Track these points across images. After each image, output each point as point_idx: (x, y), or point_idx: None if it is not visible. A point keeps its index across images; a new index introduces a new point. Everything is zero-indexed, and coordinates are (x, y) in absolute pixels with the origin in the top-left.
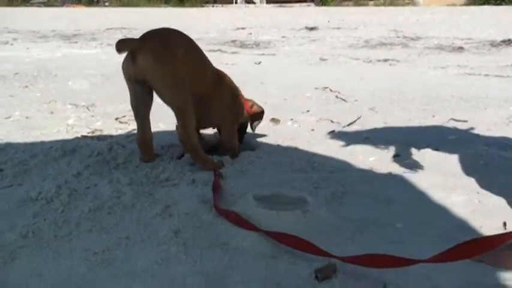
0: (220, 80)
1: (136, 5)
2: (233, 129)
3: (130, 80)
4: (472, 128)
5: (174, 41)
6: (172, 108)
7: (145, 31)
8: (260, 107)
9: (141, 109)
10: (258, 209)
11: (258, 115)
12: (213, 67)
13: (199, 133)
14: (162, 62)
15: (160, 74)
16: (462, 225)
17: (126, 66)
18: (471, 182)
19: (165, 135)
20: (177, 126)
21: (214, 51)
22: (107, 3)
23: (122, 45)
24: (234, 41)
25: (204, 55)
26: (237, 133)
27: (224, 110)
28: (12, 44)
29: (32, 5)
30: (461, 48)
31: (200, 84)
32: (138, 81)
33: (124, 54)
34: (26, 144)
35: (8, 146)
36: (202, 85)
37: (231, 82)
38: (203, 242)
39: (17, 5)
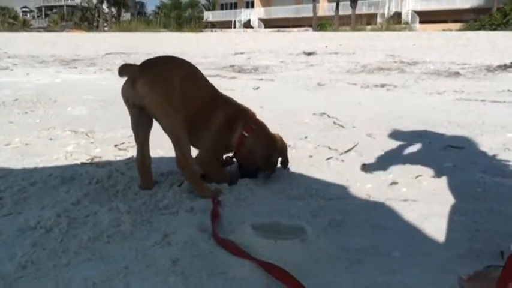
0: (218, 105)
1: (136, 29)
2: (212, 153)
3: (129, 104)
4: (468, 155)
5: (172, 69)
6: (168, 134)
7: (143, 56)
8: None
9: (140, 132)
10: (256, 238)
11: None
12: (218, 93)
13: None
14: (157, 91)
15: (156, 102)
16: (460, 254)
17: (125, 90)
18: (468, 209)
19: (164, 162)
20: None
21: (213, 76)
22: (106, 28)
23: (123, 70)
24: (232, 66)
25: (204, 78)
26: (217, 162)
27: (209, 133)
28: (12, 70)
29: (32, 30)
30: (457, 74)
31: (196, 107)
32: (135, 106)
33: (124, 79)
34: (25, 172)
35: (8, 173)
36: (198, 107)
37: (229, 114)
38: (202, 271)
39: (17, 30)
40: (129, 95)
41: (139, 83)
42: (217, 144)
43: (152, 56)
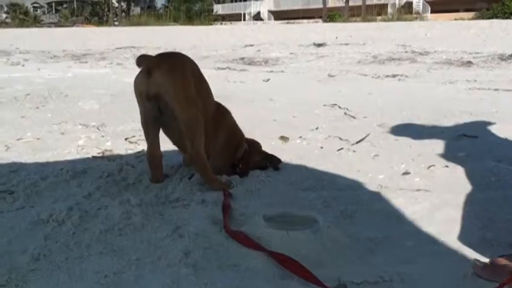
0: (220, 111)
1: (146, 23)
2: (224, 158)
3: (142, 97)
4: (482, 144)
5: (187, 63)
6: (184, 125)
7: (154, 50)
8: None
9: (152, 127)
10: (268, 229)
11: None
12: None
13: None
14: (178, 78)
15: (176, 89)
16: (473, 243)
17: (139, 83)
18: (482, 198)
19: (174, 156)
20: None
21: (223, 68)
22: (116, 23)
23: (141, 60)
24: (242, 59)
25: (208, 84)
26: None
27: (215, 142)
28: (23, 65)
29: (43, 25)
30: (470, 63)
31: (207, 110)
32: (149, 98)
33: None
34: (37, 166)
35: (20, 167)
36: (208, 111)
37: (230, 117)
38: (213, 263)
39: (28, 26)
40: (144, 87)
41: (157, 72)
42: (228, 149)
43: (162, 51)
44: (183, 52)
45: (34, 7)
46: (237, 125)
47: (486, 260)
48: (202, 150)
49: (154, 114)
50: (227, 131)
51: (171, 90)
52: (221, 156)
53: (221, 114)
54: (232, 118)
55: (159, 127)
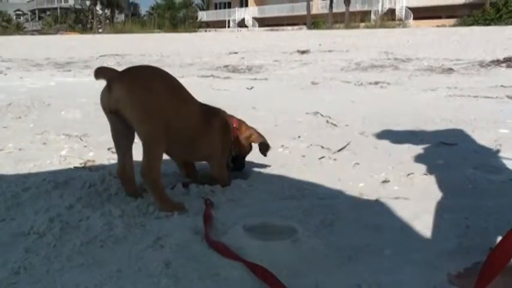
0: (207, 116)
1: (130, 31)
2: (222, 163)
3: (106, 111)
4: (460, 151)
5: (152, 77)
6: (142, 140)
7: (138, 57)
8: (259, 137)
9: (121, 142)
10: (248, 239)
11: (261, 145)
12: (199, 103)
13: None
14: (135, 94)
15: (132, 105)
16: (451, 250)
17: (102, 97)
18: (459, 206)
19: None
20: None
21: (207, 76)
22: (100, 30)
23: (99, 72)
24: (226, 66)
25: (187, 92)
26: (226, 166)
27: (211, 146)
28: (5, 74)
29: (26, 33)
30: (451, 70)
31: (183, 121)
32: (113, 112)
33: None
34: (18, 177)
35: (1, 178)
36: (185, 121)
37: (222, 118)
38: (194, 274)
39: (10, 33)
40: (106, 101)
41: (116, 87)
42: (226, 149)
43: (146, 58)
44: (167, 60)
45: (17, 14)
46: (227, 126)
47: (462, 268)
48: (156, 167)
49: (121, 127)
50: (217, 134)
51: (128, 105)
52: (219, 160)
53: (207, 119)
54: (219, 121)
55: (131, 141)
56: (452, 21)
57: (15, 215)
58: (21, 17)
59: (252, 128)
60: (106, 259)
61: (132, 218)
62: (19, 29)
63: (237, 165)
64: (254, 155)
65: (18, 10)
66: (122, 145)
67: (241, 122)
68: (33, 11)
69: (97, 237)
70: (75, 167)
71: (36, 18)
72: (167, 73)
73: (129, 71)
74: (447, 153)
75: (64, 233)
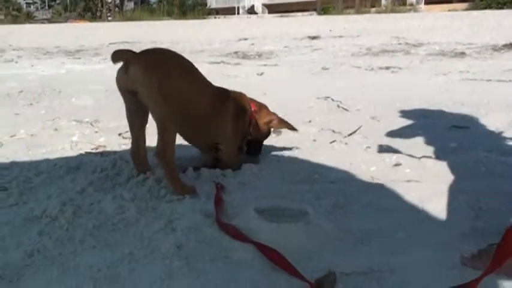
0: (221, 98)
1: (139, 18)
2: (233, 147)
3: (122, 91)
4: (473, 134)
5: (169, 58)
6: (156, 122)
7: (147, 45)
8: (282, 123)
9: (135, 122)
10: (259, 221)
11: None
12: (213, 86)
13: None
14: (151, 75)
15: (148, 86)
16: (464, 233)
17: (119, 77)
18: (472, 189)
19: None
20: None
21: (217, 63)
22: (110, 18)
23: (117, 55)
24: (236, 52)
25: (202, 75)
26: (238, 150)
27: (222, 129)
28: (16, 62)
29: (36, 21)
30: (463, 54)
31: (196, 103)
32: (129, 92)
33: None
34: (30, 163)
35: (13, 164)
36: (199, 103)
37: (237, 101)
38: (205, 256)
39: (21, 22)
40: (122, 82)
41: (133, 67)
42: (239, 133)
43: (156, 45)
44: (178, 46)
45: (27, 3)
46: (242, 110)
47: (475, 249)
48: (171, 149)
49: (136, 107)
50: (229, 118)
51: (144, 86)
52: (232, 143)
53: (221, 101)
54: (232, 104)
55: (145, 121)
56: (464, 5)
57: (27, 199)
58: (31, 6)
59: (274, 114)
60: (118, 242)
61: (144, 201)
62: (29, 18)
63: (253, 150)
64: (265, 140)
65: None
66: (136, 126)
67: (262, 107)
68: (42, 0)
69: (109, 221)
70: (87, 152)
71: (46, 7)
72: (182, 56)
73: (146, 52)
74: (460, 136)
75: (76, 216)
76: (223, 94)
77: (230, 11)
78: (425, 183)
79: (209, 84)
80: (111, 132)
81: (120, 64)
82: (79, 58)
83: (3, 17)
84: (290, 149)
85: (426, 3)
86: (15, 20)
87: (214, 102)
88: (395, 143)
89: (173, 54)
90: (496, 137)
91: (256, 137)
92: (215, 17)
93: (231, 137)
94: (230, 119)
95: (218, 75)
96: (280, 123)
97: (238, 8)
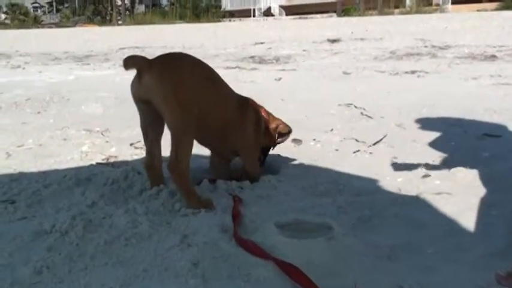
0: (241, 106)
1: (151, 22)
2: (255, 157)
3: (136, 101)
4: (506, 143)
5: (184, 65)
6: (171, 131)
7: (159, 50)
8: (287, 127)
9: (150, 132)
10: (280, 237)
11: (283, 136)
12: (235, 94)
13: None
14: (166, 84)
15: (163, 96)
16: (500, 249)
17: (133, 86)
18: (507, 201)
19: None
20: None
21: (232, 68)
22: (120, 22)
23: (129, 61)
24: (252, 57)
25: (221, 81)
26: (258, 159)
27: (245, 138)
28: (23, 68)
29: (44, 26)
30: (494, 57)
31: (215, 112)
32: (143, 101)
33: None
34: (39, 174)
35: (21, 176)
36: (218, 112)
37: (255, 108)
38: (223, 273)
39: (28, 27)
40: (136, 90)
41: (146, 76)
42: (259, 141)
43: (168, 50)
44: (190, 51)
45: (34, 7)
46: (260, 117)
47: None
48: (186, 161)
49: (152, 117)
50: (251, 126)
51: (159, 95)
52: (254, 153)
53: (241, 110)
54: (252, 112)
55: (160, 132)
56: (494, 5)
57: (36, 212)
58: (39, 10)
59: (279, 119)
60: (131, 258)
61: (158, 215)
62: (37, 22)
63: (263, 158)
64: (282, 149)
65: (35, 3)
66: (151, 136)
67: (269, 113)
68: (50, 3)
69: (121, 236)
70: (97, 163)
71: (54, 11)
72: (200, 60)
73: (160, 58)
74: (492, 145)
75: (87, 231)
76: (243, 101)
77: (246, 13)
78: (456, 195)
79: (228, 89)
80: (122, 142)
81: (132, 71)
82: (88, 64)
83: (10, 22)
84: (311, 159)
85: (453, 3)
86: (22, 25)
87: (233, 109)
88: (423, 152)
89: (190, 60)
90: None
91: (267, 144)
92: (230, 20)
93: (252, 145)
94: (251, 128)
95: (233, 81)
96: (286, 128)
97: (254, 10)
